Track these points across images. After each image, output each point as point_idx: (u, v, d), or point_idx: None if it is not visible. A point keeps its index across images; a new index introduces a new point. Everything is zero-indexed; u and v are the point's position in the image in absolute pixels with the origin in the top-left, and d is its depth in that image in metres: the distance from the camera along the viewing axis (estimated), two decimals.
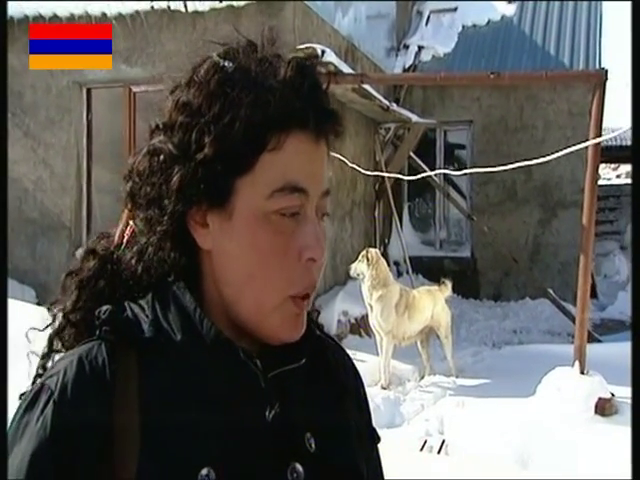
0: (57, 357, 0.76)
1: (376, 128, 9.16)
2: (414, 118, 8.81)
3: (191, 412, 0.68)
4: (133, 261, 0.76)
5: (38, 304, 6.10)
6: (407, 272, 8.72)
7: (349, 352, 0.92)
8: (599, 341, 7.24)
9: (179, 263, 0.74)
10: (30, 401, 0.68)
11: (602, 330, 8.29)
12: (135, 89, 7.19)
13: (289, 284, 0.71)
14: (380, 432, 0.90)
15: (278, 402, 0.72)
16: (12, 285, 6.57)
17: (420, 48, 10.55)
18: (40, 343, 0.79)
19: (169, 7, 6.81)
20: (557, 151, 4.91)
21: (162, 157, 0.72)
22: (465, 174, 7.43)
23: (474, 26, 10.75)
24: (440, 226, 10.22)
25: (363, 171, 6.58)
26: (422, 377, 5.89)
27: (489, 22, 10.75)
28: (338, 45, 7.72)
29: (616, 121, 11.11)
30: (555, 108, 9.48)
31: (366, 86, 6.94)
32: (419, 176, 6.64)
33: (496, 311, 8.98)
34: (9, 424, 0.69)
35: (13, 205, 7.02)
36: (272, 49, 0.74)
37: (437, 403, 5.09)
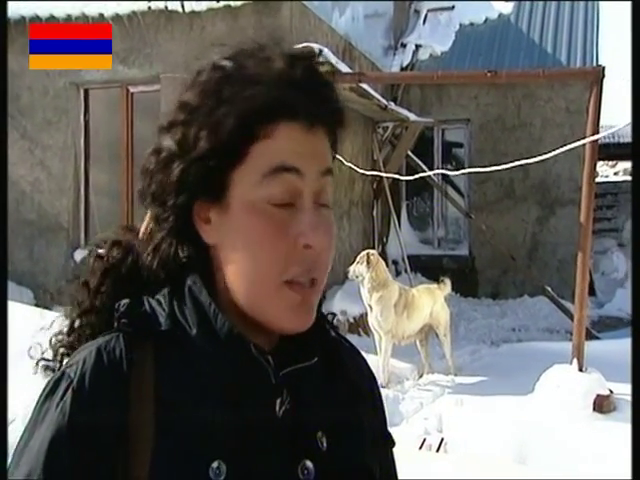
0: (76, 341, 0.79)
1: (374, 127, 9.16)
2: (412, 117, 8.81)
3: (204, 406, 0.70)
4: (150, 257, 0.78)
5: (36, 305, 6.10)
6: (405, 271, 8.73)
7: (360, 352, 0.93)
8: (597, 338, 7.25)
9: (191, 259, 0.76)
10: (51, 388, 0.70)
11: (600, 327, 8.31)
12: (132, 90, 7.19)
13: (283, 269, 0.71)
14: (391, 433, 0.90)
15: (289, 398, 0.73)
16: (10, 287, 6.57)
17: (417, 47, 10.56)
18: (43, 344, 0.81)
19: (166, 7, 6.81)
20: (555, 149, 4.91)
21: (163, 154, 0.74)
22: (463, 174, 7.43)
23: (471, 24, 10.76)
24: (438, 224, 10.23)
25: (360, 170, 6.58)
26: (421, 375, 5.90)
27: (486, 20, 10.76)
28: (335, 44, 7.73)
29: (613, 118, 11.11)
30: (552, 106, 9.49)
31: (364, 85, 6.94)
32: (417, 176, 6.64)
33: (494, 309, 9.00)
34: (32, 409, 0.71)
35: (11, 207, 7.02)
36: (277, 49, 0.75)
37: (436, 401, 5.10)
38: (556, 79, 8.68)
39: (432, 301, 5.85)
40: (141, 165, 0.78)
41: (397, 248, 9.07)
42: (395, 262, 9.22)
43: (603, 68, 4.89)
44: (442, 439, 4.26)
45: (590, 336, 6.26)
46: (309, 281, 0.72)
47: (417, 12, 11.23)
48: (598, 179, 12.91)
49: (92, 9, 6.87)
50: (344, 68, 6.53)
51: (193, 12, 6.77)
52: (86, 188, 7.41)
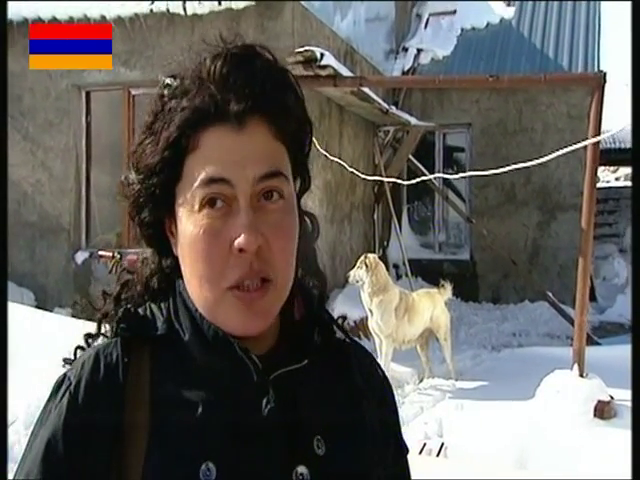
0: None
1: (375, 131, 9.17)
2: (413, 121, 8.82)
3: (195, 408, 0.71)
4: (140, 266, 0.83)
5: (37, 307, 6.09)
6: (406, 275, 8.72)
7: (373, 356, 0.92)
8: (598, 344, 7.24)
9: (173, 269, 0.79)
10: (53, 390, 0.74)
11: (601, 333, 8.29)
12: (134, 92, 7.20)
13: (221, 277, 0.71)
14: (404, 439, 0.89)
15: (276, 399, 0.73)
16: (11, 288, 6.57)
17: (419, 51, 10.57)
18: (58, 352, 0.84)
19: (168, 10, 6.82)
20: (555, 151, 4.90)
21: (131, 175, 0.77)
22: (464, 177, 7.43)
23: (473, 29, 10.77)
24: (439, 229, 10.22)
25: (362, 175, 6.57)
26: (421, 380, 5.89)
27: (488, 25, 10.77)
28: (337, 48, 7.73)
29: (615, 123, 11.11)
30: (554, 111, 9.50)
31: (365, 89, 6.95)
32: (418, 180, 6.64)
33: (495, 314, 8.99)
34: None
35: (12, 208, 7.02)
36: (215, 50, 0.73)
37: (436, 406, 5.09)
38: (558, 84, 8.68)
39: (432, 305, 5.84)
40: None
41: (398, 252, 9.06)
42: (396, 266, 9.22)
43: (605, 74, 4.89)
44: (442, 444, 4.25)
45: (591, 342, 6.24)
46: (258, 282, 0.71)
47: (419, 16, 11.24)
48: (599, 184, 12.91)
49: (94, 11, 6.88)
50: (345, 72, 6.54)
51: (195, 15, 6.78)
52: (87, 190, 7.41)
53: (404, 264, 8.83)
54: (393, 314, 5.57)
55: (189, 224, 0.72)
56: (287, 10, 6.61)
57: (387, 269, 6.13)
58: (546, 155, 4.85)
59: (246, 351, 0.73)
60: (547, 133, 9.43)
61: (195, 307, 0.75)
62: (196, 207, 0.71)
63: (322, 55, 6.11)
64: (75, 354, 0.79)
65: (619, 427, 4.27)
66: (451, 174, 8.46)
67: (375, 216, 9.27)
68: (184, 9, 6.76)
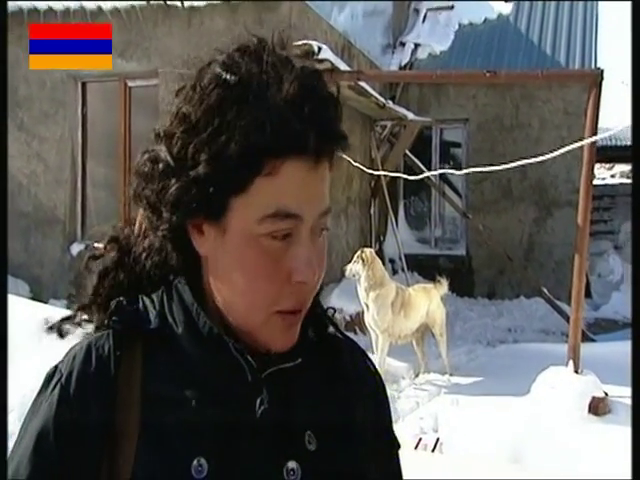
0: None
1: (372, 125, 9.15)
2: (410, 116, 8.81)
3: (187, 404, 0.71)
4: (143, 256, 0.79)
5: (32, 298, 6.07)
6: (402, 270, 8.73)
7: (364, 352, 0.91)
8: (593, 340, 7.26)
9: (180, 263, 0.77)
10: (44, 382, 0.73)
11: (596, 329, 8.32)
12: (130, 83, 7.16)
13: (275, 302, 0.72)
14: (396, 435, 0.88)
15: (269, 398, 0.73)
16: None
17: (416, 46, 10.55)
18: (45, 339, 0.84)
19: (165, 2, 6.79)
20: (552, 150, 4.91)
21: (161, 166, 0.73)
22: (465, 174, 7.42)
23: (470, 24, 10.76)
24: (435, 224, 10.23)
25: (365, 169, 6.56)
26: (417, 375, 5.90)
27: (485, 20, 10.77)
28: (334, 42, 7.70)
29: (611, 120, 11.13)
30: (551, 107, 9.50)
31: (362, 83, 6.93)
32: (419, 176, 6.63)
33: (491, 309, 9.01)
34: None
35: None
36: (280, 55, 0.71)
37: (432, 401, 5.10)
38: (555, 80, 8.68)
39: (428, 300, 5.84)
40: (139, 160, 0.77)
41: (394, 247, 9.07)
42: (392, 261, 9.22)
43: (602, 71, 4.89)
44: (438, 439, 4.26)
45: (586, 338, 6.26)
46: (297, 309, 0.73)
47: (416, 11, 11.22)
48: (595, 181, 12.94)
49: (91, 3, 6.83)
50: (343, 66, 6.52)
51: (192, 7, 6.74)
52: (83, 181, 7.38)
53: (400, 259, 8.84)
54: (389, 309, 5.57)
55: (247, 245, 0.70)
56: (285, 3, 6.58)
57: (383, 264, 6.13)
58: (542, 150, 4.86)
59: (241, 351, 0.73)
60: (544, 129, 9.44)
61: (192, 301, 0.74)
62: (261, 232, 0.70)
63: (319, 49, 6.09)
64: (60, 331, 0.79)
65: (613, 423, 4.28)
66: (448, 169, 8.45)
67: (371, 211, 9.26)
68: (181, 1, 6.73)
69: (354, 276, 5.61)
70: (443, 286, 5.98)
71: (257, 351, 0.74)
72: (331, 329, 0.83)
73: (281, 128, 0.67)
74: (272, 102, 0.68)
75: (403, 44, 10.64)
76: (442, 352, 5.90)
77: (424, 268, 9.08)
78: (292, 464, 0.72)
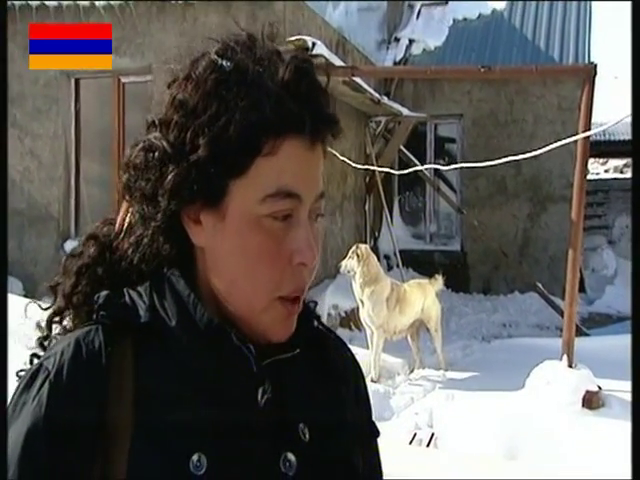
0: (54, 340, 0.78)
1: (367, 121, 9.15)
2: (405, 111, 8.81)
3: (184, 397, 0.69)
4: (130, 251, 0.77)
5: (25, 296, 6.05)
6: (397, 266, 8.74)
7: (346, 344, 0.92)
8: (587, 335, 7.29)
9: (173, 256, 0.75)
10: (28, 381, 0.69)
11: (590, 324, 8.36)
12: (124, 80, 7.13)
13: (278, 286, 0.72)
14: (376, 424, 0.90)
15: (271, 388, 0.72)
16: None
17: (411, 41, 10.55)
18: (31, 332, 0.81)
19: None
20: (547, 145, 4.91)
21: (157, 154, 0.72)
22: (456, 169, 7.43)
23: (465, 20, 10.76)
24: (430, 220, 10.24)
25: (354, 164, 6.56)
26: (412, 370, 5.91)
27: (480, 16, 10.76)
28: (329, 37, 7.69)
29: (604, 115, 11.14)
30: (545, 102, 9.52)
31: (357, 79, 6.92)
32: (410, 170, 6.64)
33: (485, 305, 9.03)
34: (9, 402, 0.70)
35: None
36: (271, 46, 0.73)
37: (427, 396, 5.11)
38: (549, 75, 8.69)
39: (423, 296, 5.85)
40: (126, 156, 0.76)
41: (389, 243, 9.07)
42: (387, 257, 9.23)
43: (595, 65, 4.90)
44: (432, 434, 4.27)
45: (580, 332, 6.29)
46: (295, 297, 0.73)
47: (411, 7, 11.21)
48: (589, 176, 12.98)
49: None
50: (337, 61, 6.51)
51: (186, 3, 6.71)
52: (77, 178, 7.35)
53: (395, 255, 8.85)
54: (384, 305, 5.58)
55: (249, 227, 0.70)
56: None
57: (378, 260, 6.13)
58: (537, 146, 4.86)
59: (243, 340, 0.72)
60: (538, 124, 9.46)
61: (188, 291, 0.73)
62: (263, 212, 0.70)
63: (314, 44, 6.08)
64: (31, 362, 0.74)
65: (607, 417, 4.31)
66: (442, 165, 8.46)
67: (366, 207, 9.27)
68: None
69: (349, 272, 5.61)
70: (438, 282, 5.99)
71: (255, 341, 0.74)
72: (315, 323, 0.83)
73: (279, 108, 0.69)
74: (269, 85, 0.69)
75: (397, 40, 10.63)
76: (437, 347, 5.91)
77: (419, 264, 9.10)
78: (289, 455, 0.72)
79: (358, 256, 5.53)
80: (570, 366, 4.67)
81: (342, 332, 6.69)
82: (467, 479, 3.58)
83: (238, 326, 0.74)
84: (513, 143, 9.13)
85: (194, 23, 6.72)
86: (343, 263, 5.62)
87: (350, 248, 5.76)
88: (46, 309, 0.80)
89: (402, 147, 9.12)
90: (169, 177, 0.70)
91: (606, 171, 19.79)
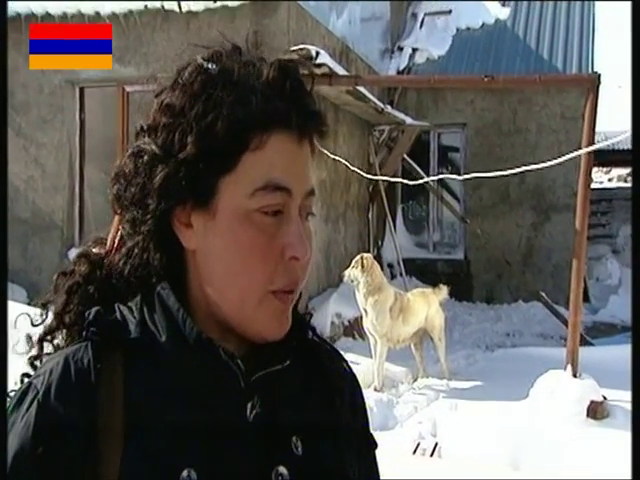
0: (45, 358, 0.77)
1: (370, 130, 9.16)
2: (408, 120, 8.82)
3: (173, 413, 0.69)
4: (121, 263, 0.77)
5: (29, 304, 6.05)
6: (400, 274, 8.72)
7: (342, 354, 0.91)
8: (591, 344, 7.26)
9: (164, 263, 0.75)
10: (17, 400, 0.69)
11: (594, 333, 8.32)
12: (128, 89, 7.15)
13: (270, 280, 0.72)
14: (373, 434, 0.89)
15: (260, 402, 0.72)
16: None
17: (414, 50, 10.57)
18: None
19: (163, 7, 6.79)
20: (550, 155, 4.92)
21: (145, 158, 0.73)
22: (464, 179, 7.43)
23: (468, 29, 10.78)
24: (434, 228, 10.23)
25: (363, 174, 6.56)
26: (415, 379, 5.89)
27: (483, 25, 10.78)
28: (332, 46, 7.72)
29: (608, 124, 11.16)
30: (548, 112, 9.52)
31: (360, 88, 6.94)
32: (419, 182, 6.64)
33: (489, 314, 9.00)
34: None
35: None
36: (257, 53, 0.75)
37: (430, 406, 5.08)
38: (552, 85, 8.70)
39: (427, 305, 5.84)
40: (117, 167, 0.76)
41: (392, 251, 9.07)
42: (390, 265, 9.22)
43: (599, 75, 4.90)
44: (436, 443, 4.25)
45: (584, 342, 6.26)
46: (289, 290, 0.73)
47: (414, 16, 11.24)
48: (592, 185, 12.97)
49: (88, 7, 6.84)
50: (341, 71, 6.53)
51: (190, 12, 6.75)
52: (81, 186, 7.38)
53: (398, 263, 8.84)
54: (388, 314, 5.57)
55: (239, 223, 0.71)
56: (282, 8, 6.59)
57: (381, 268, 6.13)
58: (540, 155, 4.88)
59: (232, 356, 0.72)
60: (541, 134, 9.46)
61: (178, 306, 0.72)
62: (253, 206, 0.70)
63: (318, 53, 6.09)
64: (22, 382, 0.73)
65: (612, 427, 4.28)
66: (446, 174, 8.47)
67: (370, 215, 9.26)
68: (179, 6, 6.74)
69: (352, 281, 5.61)
70: (442, 291, 5.98)
71: (245, 354, 0.74)
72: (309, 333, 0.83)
73: (265, 104, 0.70)
74: (254, 84, 0.71)
75: (401, 49, 10.66)
76: (441, 357, 5.89)
77: (422, 273, 9.09)
78: (281, 469, 0.71)
79: (362, 266, 5.53)
80: (574, 376, 4.64)
81: (345, 341, 6.68)
82: None
83: (232, 334, 0.74)
84: (516, 152, 9.14)
85: (198, 32, 6.76)
86: (346, 272, 5.61)
87: (353, 256, 5.76)
88: (36, 325, 0.79)
89: (405, 156, 9.13)
90: (157, 177, 0.71)
91: (610, 180, 19.79)
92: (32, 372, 0.76)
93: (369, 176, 6.71)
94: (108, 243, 0.81)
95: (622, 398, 4.46)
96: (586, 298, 8.90)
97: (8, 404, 0.70)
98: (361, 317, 5.85)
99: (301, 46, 6.09)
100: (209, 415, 0.70)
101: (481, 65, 9.96)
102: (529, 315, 8.78)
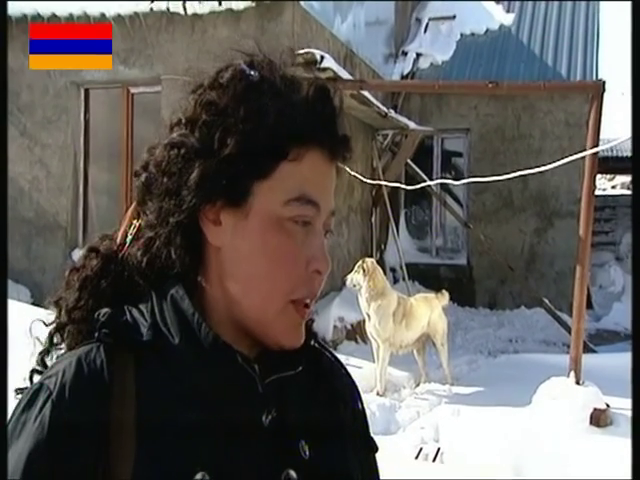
0: (56, 354, 0.78)
1: (374, 135, 9.16)
2: (412, 125, 8.82)
3: (187, 415, 0.69)
4: (139, 254, 0.76)
5: (33, 304, 6.05)
6: (403, 279, 8.71)
7: (344, 358, 0.93)
8: (594, 351, 7.24)
9: (184, 258, 0.75)
10: (29, 400, 0.68)
11: (597, 340, 8.30)
12: (133, 90, 7.18)
13: (292, 289, 0.73)
14: (375, 439, 0.90)
15: (275, 407, 0.73)
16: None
17: (418, 55, 10.58)
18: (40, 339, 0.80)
19: (168, 9, 6.80)
20: (554, 161, 4.91)
21: (183, 150, 0.73)
22: (464, 184, 7.43)
23: (472, 34, 10.79)
24: (436, 233, 10.22)
25: (364, 179, 6.56)
26: (418, 384, 5.88)
27: (487, 31, 10.79)
28: (337, 51, 7.73)
29: (612, 131, 11.14)
30: (552, 118, 9.51)
31: (364, 92, 6.94)
32: (419, 185, 6.64)
33: (492, 319, 8.98)
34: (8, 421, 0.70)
35: (8, 204, 6.97)
36: (290, 69, 0.77)
37: (432, 411, 5.07)
38: (557, 91, 8.70)
39: (430, 310, 5.83)
40: (147, 157, 0.76)
41: (395, 256, 9.06)
42: (393, 270, 9.21)
43: (603, 82, 4.90)
44: (438, 449, 4.23)
45: (587, 349, 6.24)
46: (309, 301, 0.75)
47: (418, 21, 11.26)
48: (596, 192, 12.95)
49: (94, 8, 6.85)
50: (345, 75, 6.53)
51: (195, 14, 6.76)
52: (85, 187, 7.38)
53: (401, 268, 8.83)
54: (391, 319, 5.56)
55: (271, 227, 0.72)
56: (287, 12, 6.60)
57: (384, 273, 6.12)
58: (543, 161, 4.86)
59: (248, 360, 0.73)
60: (545, 140, 9.45)
61: (193, 310, 0.72)
62: (286, 214, 0.72)
63: (322, 58, 6.10)
64: (31, 379, 0.74)
65: (615, 435, 4.26)
66: (449, 179, 8.46)
67: (373, 220, 9.26)
68: (184, 8, 6.75)
69: (355, 286, 5.60)
70: (444, 297, 5.98)
71: (256, 357, 0.74)
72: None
73: (307, 119, 0.73)
74: (295, 99, 0.74)
75: (405, 54, 10.67)
76: (443, 362, 5.88)
77: (425, 277, 9.08)
78: (290, 472, 0.72)
79: (364, 270, 5.52)
80: (577, 383, 4.63)
81: (348, 345, 6.66)
82: None
83: (245, 336, 0.74)
84: (520, 158, 9.12)
85: (203, 35, 6.77)
86: (349, 277, 5.60)
87: (356, 260, 5.75)
88: (49, 325, 0.79)
89: (409, 161, 9.13)
90: (196, 171, 0.71)
91: (613, 187, 19.76)
92: (39, 368, 0.76)
93: (367, 180, 6.70)
94: (119, 237, 0.80)
95: (625, 406, 4.44)
96: (589, 305, 8.88)
97: (17, 402, 0.69)
98: (364, 321, 5.84)
99: (306, 50, 6.09)
100: (224, 418, 0.70)
101: (485, 71, 9.96)
102: (532, 321, 8.76)
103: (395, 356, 5.77)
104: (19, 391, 0.72)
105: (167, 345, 0.72)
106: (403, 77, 10.25)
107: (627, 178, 18.75)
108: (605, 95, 4.80)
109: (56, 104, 7.28)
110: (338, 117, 0.76)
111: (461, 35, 10.78)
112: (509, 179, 5.21)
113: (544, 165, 5.01)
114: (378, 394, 5.41)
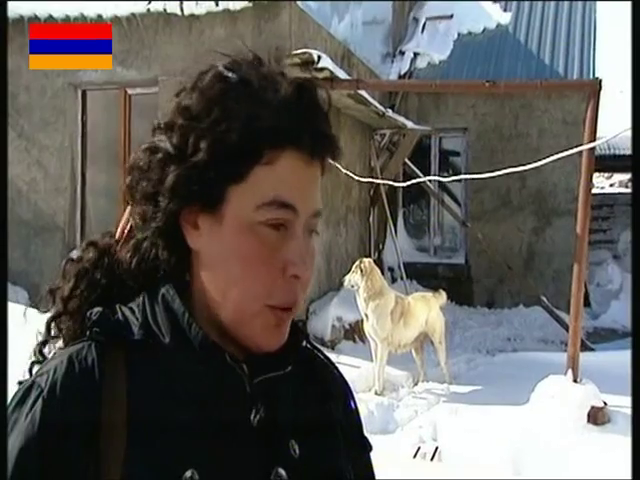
0: (54, 346, 0.79)
1: (371, 134, 9.17)
2: (409, 124, 8.83)
3: (177, 414, 0.70)
4: (128, 255, 0.78)
5: (31, 306, 6.06)
6: (401, 278, 8.72)
7: (343, 358, 0.94)
8: (592, 350, 7.25)
9: (170, 261, 0.76)
10: (20, 398, 0.69)
11: (595, 339, 8.31)
12: (130, 91, 7.18)
13: (269, 294, 0.72)
14: (373, 438, 0.91)
15: (263, 407, 0.73)
16: None
17: (416, 55, 10.58)
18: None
19: (165, 10, 6.81)
20: (550, 156, 4.91)
21: (159, 155, 0.74)
22: (458, 180, 7.43)
23: (470, 34, 10.80)
24: (434, 232, 10.23)
25: (357, 177, 6.57)
26: (416, 383, 5.88)
27: (484, 30, 10.80)
28: (334, 50, 7.73)
29: (609, 129, 11.14)
30: (549, 117, 9.53)
31: (362, 92, 6.94)
32: (412, 182, 6.64)
33: (490, 318, 8.99)
34: None
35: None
36: (277, 67, 0.75)
37: (431, 410, 5.08)
38: (554, 90, 8.71)
39: (428, 309, 5.84)
40: (131, 159, 0.77)
41: (393, 255, 9.07)
42: (391, 269, 9.22)
43: (600, 80, 4.91)
44: (437, 447, 4.24)
45: (585, 347, 6.25)
46: (289, 306, 0.74)
47: (416, 20, 11.26)
48: (594, 190, 12.95)
49: (91, 10, 6.86)
50: (342, 74, 6.53)
51: (192, 15, 6.76)
52: (83, 189, 7.39)
53: (399, 267, 8.83)
54: (389, 318, 5.57)
55: (244, 232, 0.71)
56: (284, 12, 6.60)
57: (382, 272, 6.13)
58: (541, 160, 4.85)
59: (236, 360, 0.73)
60: (542, 138, 9.46)
61: (183, 310, 0.73)
62: (258, 219, 0.71)
63: (319, 57, 6.10)
64: (30, 371, 0.75)
65: (612, 433, 4.27)
66: (443, 177, 8.46)
67: (371, 219, 9.27)
68: (181, 9, 6.75)
69: (353, 287, 5.61)
70: (442, 297, 5.99)
71: (247, 358, 0.75)
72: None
73: (279, 120, 0.71)
74: (270, 98, 0.72)
75: (402, 53, 10.67)
76: (441, 361, 5.89)
77: (423, 277, 9.08)
78: (280, 470, 0.72)
79: (362, 270, 5.53)
80: (575, 381, 4.64)
81: (346, 344, 6.67)
82: None
83: (230, 334, 0.75)
84: (517, 157, 9.10)
85: (200, 36, 6.77)
86: (347, 277, 5.61)
87: (354, 260, 5.76)
88: (45, 312, 0.80)
89: (407, 160, 9.13)
90: (170, 177, 0.72)
91: (611, 185, 19.79)
92: (40, 359, 0.77)
93: (360, 178, 6.70)
94: (118, 232, 0.82)
95: (623, 404, 4.45)
96: (587, 303, 8.90)
97: (10, 400, 0.70)
98: (362, 321, 5.85)
99: (303, 50, 6.10)
100: (213, 417, 0.71)
101: (482, 70, 9.97)
102: (530, 320, 8.77)
103: (393, 355, 5.78)
104: (20, 382, 0.73)
105: (158, 344, 0.72)
106: (401, 76, 10.26)
107: (625, 176, 18.78)
108: (602, 93, 4.82)
109: (53, 106, 7.29)
110: (318, 115, 0.74)
111: (458, 34, 10.79)
112: (504, 175, 5.22)
113: (541, 160, 5.01)
114: (376, 393, 5.41)
